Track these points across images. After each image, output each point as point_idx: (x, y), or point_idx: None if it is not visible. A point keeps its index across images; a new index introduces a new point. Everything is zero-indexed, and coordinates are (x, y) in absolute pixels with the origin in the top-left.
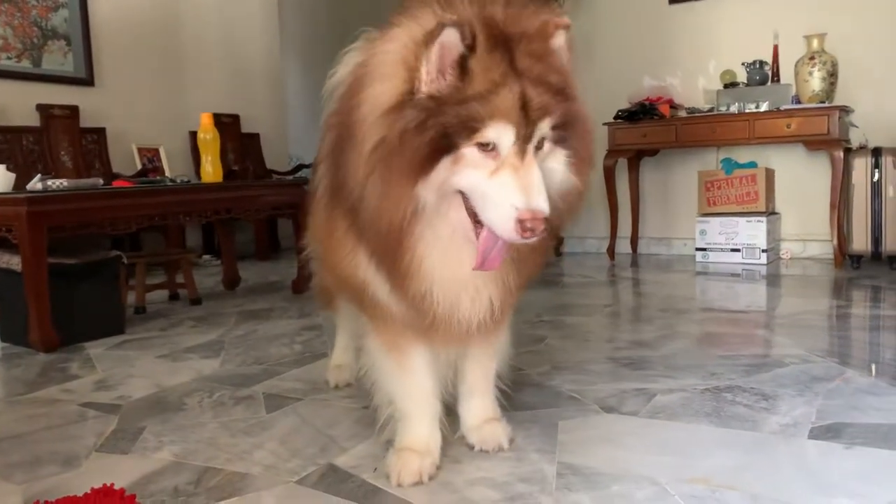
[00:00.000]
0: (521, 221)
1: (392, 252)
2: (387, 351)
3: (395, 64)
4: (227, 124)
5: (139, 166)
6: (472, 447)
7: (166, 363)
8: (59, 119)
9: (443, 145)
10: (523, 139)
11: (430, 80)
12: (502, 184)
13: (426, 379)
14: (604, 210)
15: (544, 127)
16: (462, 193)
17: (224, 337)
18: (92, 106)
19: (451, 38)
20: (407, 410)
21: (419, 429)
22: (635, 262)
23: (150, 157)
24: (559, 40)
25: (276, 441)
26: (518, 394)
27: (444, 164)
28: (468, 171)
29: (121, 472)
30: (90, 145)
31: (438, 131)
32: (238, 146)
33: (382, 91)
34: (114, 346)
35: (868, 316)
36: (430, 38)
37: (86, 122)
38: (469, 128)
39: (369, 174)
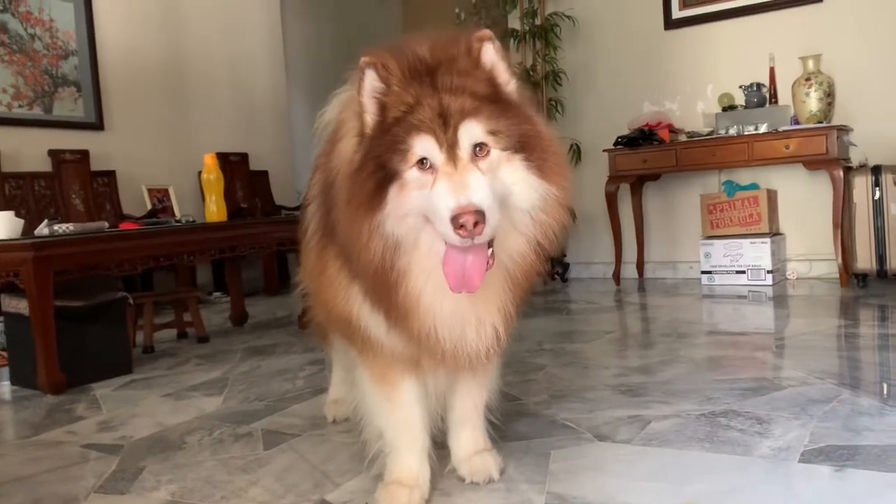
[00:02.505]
0: (453, 220)
1: (385, 291)
2: (376, 384)
3: (352, 118)
4: (235, 163)
5: (149, 207)
6: (462, 479)
7: (170, 402)
8: (70, 163)
9: (386, 175)
10: (449, 146)
11: (368, 123)
12: (437, 192)
13: (415, 412)
14: (608, 235)
15: (473, 130)
16: None
17: (229, 374)
18: (102, 149)
19: (369, 79)
20: (396, 443)
21: (408, 462)
22: (641, 286)
23: (160, 197)
24: (488, 55)
25: (272, 478)
26: (513, 423)
27: (393, 192)
28: (414, 193)
29: None
30: (101, 188)
31: (376, 163)
32: (247, 184)
33: (345, 148)
34: (120, 387)
35: (871, 335)
36: (359, 85)
37: (96, 165)
38: (398, 151)
39: (349, 223)
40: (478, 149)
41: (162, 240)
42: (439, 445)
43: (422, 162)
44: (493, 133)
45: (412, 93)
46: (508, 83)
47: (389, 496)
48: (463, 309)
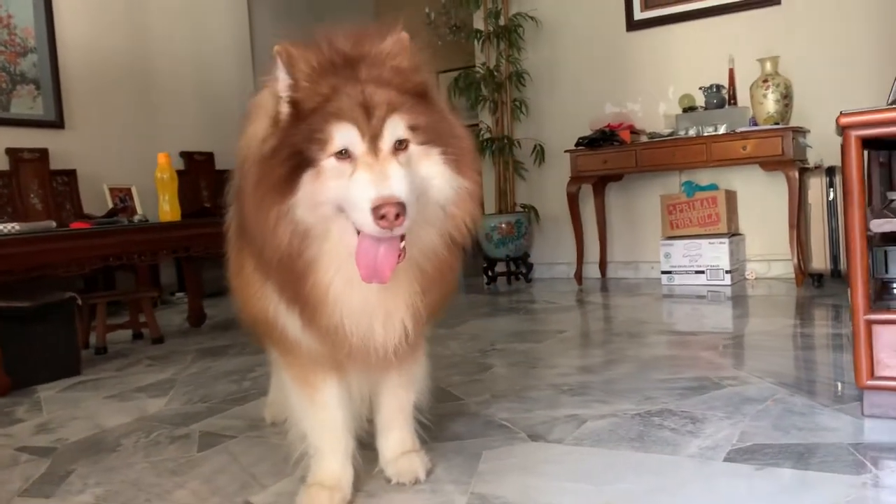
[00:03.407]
0: (374, 210)
1: (293, 281)
2: (298, 386)
3: (267, 100)
4: (200, 162)
5: (111, 206)
6: (389, 480)
7: (113, 403)
8: (29, 162)
9: (300, 162)
10: (371, 137)
11: (284, 110)
12: (356, 181)
13: (338, 414)
14: (572, 236)
15: (397, 124)
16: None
17: (177, 375)
18: (62, 148)
19: (282, 66)
20: (319, 445)
21: (331, 464)
22: (603, 286)
23: (123, 196)
24: (408, 51)
25: (200, 480)
26: (450, 424)
27: (307, 179)
28: (331, 182)
29: None
30: (61, 187)
31: (290, 150)
32: (212, 183)
33: (255, 130)
34: (66, 389)
35: (819, 335)
36: (273, 71)
37: (56, 164)
38: (317, 140)
39: (254, 210)
40: (398, 143)
41: (111, 240)
42: (368, 447)
43: (341, 152)
44: (413, 128)
45: (330, 83)
46: (427, 79)
47: (310, 499)
48: (371, 302)
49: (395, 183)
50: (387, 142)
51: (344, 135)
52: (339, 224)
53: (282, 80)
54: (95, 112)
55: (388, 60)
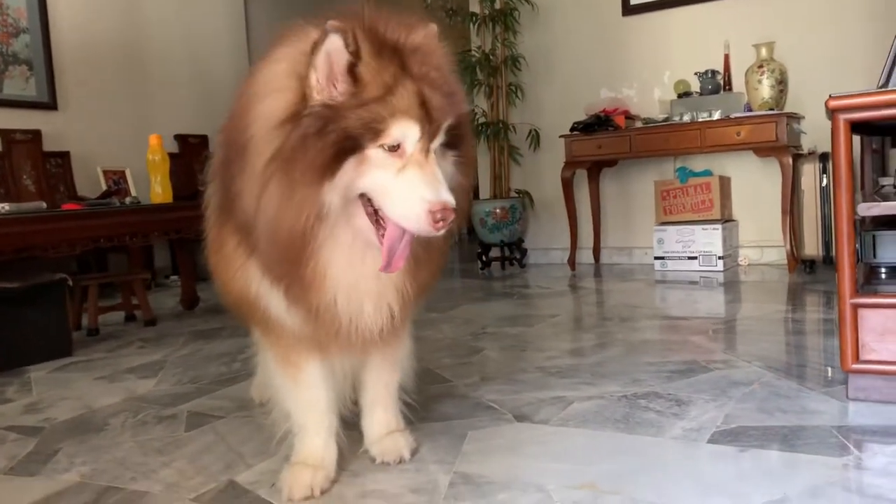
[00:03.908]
0: (432, 213)
1: (294, 262)
2: (281, 366)
3: (286, 77)
4: (195, 144)
5: (104, 188)
6: (374, 460)
7: (103, 384)
8: (22, 143)
9: (347, 147)
10: (428, 137)
11: (321, 88)
12: (411, 180)
13: (321, 393)
14: (566, 221)
15: (445, 129)
16: (362, 197)
17: (168, 357)
18: (55, 130)
19: (335, 45)
20: (302, 424)
21: (314, 443)
22: (597, 272)
23: (117, 179)
24: (443, 55)
25: (186, 459)
26: (438, 405)
27: (350, 166)
28: (374, 171)
29: (23, 494)
30: (54, 169)
31: (340, 135)
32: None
33: (275, 105)
34: (56, 369)
35: (809, 321)
36: (315, 47)
37: (49, 145)
38: (373, 129)
39: (265, 186)
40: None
41: (101, 221)
42: (354, 427)
43: (392, 144)
44: (447, 132)
45: (391, 72)
46: (456, 78)
47: (293, 477)
48: (364, 283)
49: (446, 188)
50: (436, 144)
51: (405, 132)
52: (351, 206)
53: (337, 55)
54: (89, 93)
55: (432, 57)
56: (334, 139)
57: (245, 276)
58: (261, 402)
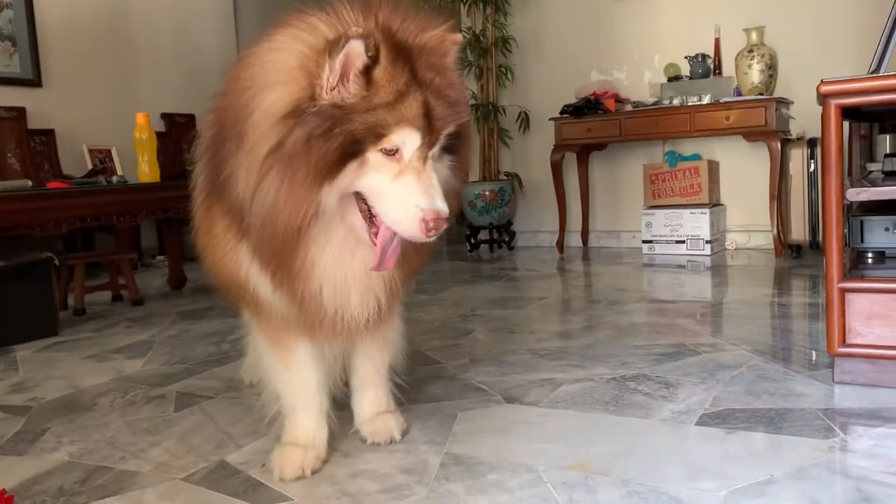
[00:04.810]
0: (425, 221)
1: (285, 254)
2: (270, 347)
3: (292, 70)
4: (182, 123)
5: (90, 167)
6: (364, 440)
7: (90, 364)
8: (6, 121)
9: (350, 150)
10: (427, 145)
11: (331, 88)
12: (407, 186)
13: (311, 374)
14: (555, 204)
15: (444, 138)
16: (357, 195)
17: (156, 337)
18: (40, 107)
19: (356, 50)
20: (292, 405)
21: (305, 423)
22: (585, 255)
23: (103, 157)
24: (452, 56)
25: (175, 439)
26: (428, 386)
27: (351, 168)
28: (372, 174)
29: (12, 473)
30: (39, 147)
31: (347, 138)
32: (193, 146)
33: (278, 97)
34: (43, 349)
35: (795, 304)
36: (334, 47)
37: (34, 123)
38: (376, 134)
39: (263, 176)
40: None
41: (87, 200)
42: (345, 408)
43: (391, 149)
44: (446, 137)
45: (401, 80)
46: (461, 83)
47: (284, 457)
48: (353, 277)
49: (441, 196)
50: (435, 150)
51: (406, 138)
52: (345, 204)
53: (356, 59)
54: (74, 71)
55: (440, 63)
56: (340, 142)
57: (235, 259)
58: (251, 383)
